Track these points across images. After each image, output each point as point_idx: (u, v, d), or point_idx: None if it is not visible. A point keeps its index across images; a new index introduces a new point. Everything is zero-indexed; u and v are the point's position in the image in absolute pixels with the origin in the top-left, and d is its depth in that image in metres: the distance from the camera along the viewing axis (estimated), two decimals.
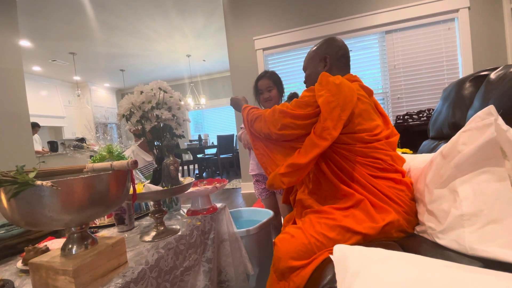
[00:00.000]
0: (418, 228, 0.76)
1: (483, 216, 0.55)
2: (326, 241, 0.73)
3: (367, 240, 0.74)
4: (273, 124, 0.90)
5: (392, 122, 2.95)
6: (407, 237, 0.76)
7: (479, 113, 0.62)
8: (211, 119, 7.55)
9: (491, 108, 0.60)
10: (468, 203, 0.58)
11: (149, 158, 1.74)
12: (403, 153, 1.14)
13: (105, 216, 0.98)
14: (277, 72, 1.51)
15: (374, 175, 0.82)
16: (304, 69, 1.08)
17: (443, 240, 0.62)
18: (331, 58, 0.98)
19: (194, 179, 0.94)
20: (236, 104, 1.24)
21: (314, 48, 1.03)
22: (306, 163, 0.81)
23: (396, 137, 0.92)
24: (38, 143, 4.82)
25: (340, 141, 0.84)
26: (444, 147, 0.70)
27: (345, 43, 1.02)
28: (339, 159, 0.85)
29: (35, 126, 4.67)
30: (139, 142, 1.73)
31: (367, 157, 0.83)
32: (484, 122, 0.59)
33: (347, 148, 0.84)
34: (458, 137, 0.65)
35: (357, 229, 0.73)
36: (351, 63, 1.03)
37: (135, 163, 0.58)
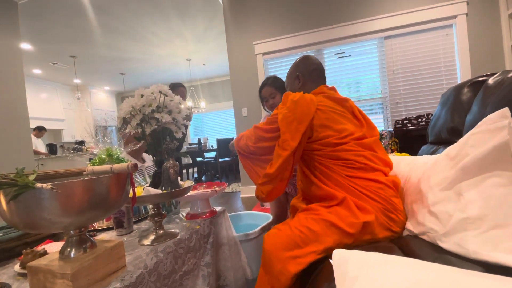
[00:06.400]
0: (416, 230, 0.75)
1: (488, 220, 0.54)
2: (309, 233, 0.78)
3: (352, 238, 0.77)
4: (250, 139, 1.05)
5: (391, 127, 2.96)
6: (407, 239, 0.75)
7: (492, 115, 0.59)
8: (210, 123, 7.56)
9: (505, 110, 0.57)
10: (474, 206, 0.57)
11: (139, 164, 1.64)
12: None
13: (104, 219, 0.97)
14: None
15: (351, 175, 0.88)
16: (286, 87, 1.19)
17: (445, 243, 0.61)
18: (303, 74, 1.09)
19: (193, 183, 0.94)
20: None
21: (290, 68, 1.14)
22: (274, 172, 0.91)
23: (373, 138, 0.96)
24: (41, 146, 4.81)
25: (310, 148, 0.94)
26: (451, 149, 0.68)
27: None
28: (316, 164, 0.94)
29: (42, 130, 4.68)
30: (128, 149, 1.57)
31: (338, 159, 0.91)
32: (496, 124, 0.57)
33: (318, 153, 0.93)
34: (467, 139, 0.62)
35: (339, 225, 0.78)
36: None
37: (135, 166, 0.58)
